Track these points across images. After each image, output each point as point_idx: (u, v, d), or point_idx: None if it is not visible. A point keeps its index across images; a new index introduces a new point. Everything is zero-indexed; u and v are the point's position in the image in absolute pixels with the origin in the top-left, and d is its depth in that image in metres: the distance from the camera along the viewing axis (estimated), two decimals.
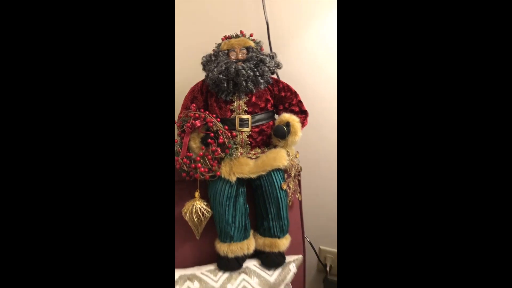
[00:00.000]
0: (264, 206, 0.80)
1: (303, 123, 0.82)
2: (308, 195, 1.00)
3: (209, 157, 0.75)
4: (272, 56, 0.79)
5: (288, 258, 0.82)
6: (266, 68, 0.76)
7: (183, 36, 0.94)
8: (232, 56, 0.78)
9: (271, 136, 0.81)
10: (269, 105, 0.81)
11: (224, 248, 0.77)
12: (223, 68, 0.74)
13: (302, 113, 0.84)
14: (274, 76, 0.83)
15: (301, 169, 0.84)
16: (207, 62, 0.79)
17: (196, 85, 0.83)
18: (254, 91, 0.77)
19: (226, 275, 0.76)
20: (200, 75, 0.82)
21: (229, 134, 0.76)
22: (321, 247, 1.12)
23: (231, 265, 0.77)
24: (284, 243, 0.80)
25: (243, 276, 0.76)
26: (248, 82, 0.75)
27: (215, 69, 0.75)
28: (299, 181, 0.86)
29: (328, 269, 1.10)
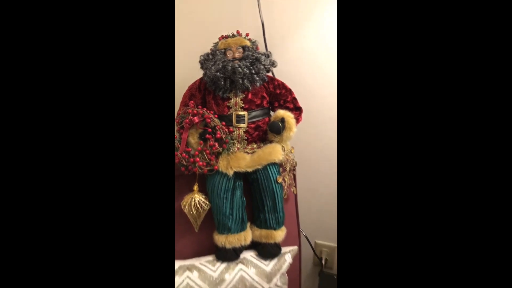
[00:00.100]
0: (260, 198, 0.82)
1: (298, 119, 0.85)
2: (304, 190, 1.03)
3: (207, 151, 0.77)
4: (267, 55, 0.82)
5: (284, 249, 0.85)
6: (262, 66, 0.79)
7: (182, 36, 0.98)
8: (229, 55, 0.80)
9: (267, 132, 0.83)
10: (264, 102, 0.83)
11: (222, 240, 0.80)
12: (220, 66, 0.77)
13: (297, 110, 0.86)
14: (270, 74, 0.86)
15: (296, 164, 0.87)
16: (205, 61, 0.81)
17: (194, 83, 0.85)
18: (250, 88, 0.80)
19: (224, 265, 0.78)
20: (198, 73, 0.84)
21: (226, 129, 0.79)
22: (317, 241, 1.15)
23: (228, 255, 0.79)
24: (280, 234, 0.83)
25: (240, 266, 0.79)
26: (244, 79, 0.77)
27: (213, 67, 0.77)
28: (294, 175, 0.88)
29: (323, 262, 1.13)
